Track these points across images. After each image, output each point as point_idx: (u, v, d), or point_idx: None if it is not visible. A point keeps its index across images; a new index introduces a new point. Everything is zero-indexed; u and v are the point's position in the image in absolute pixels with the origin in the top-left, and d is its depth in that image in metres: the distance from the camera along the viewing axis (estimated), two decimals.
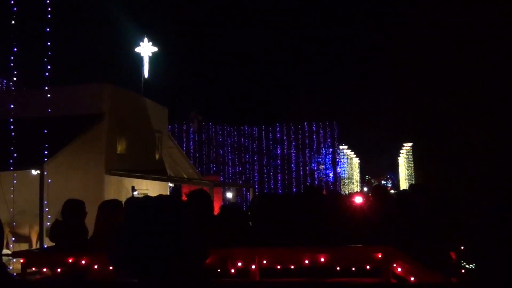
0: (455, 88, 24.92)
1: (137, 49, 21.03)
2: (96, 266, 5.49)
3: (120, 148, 18.32)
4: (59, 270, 5.68)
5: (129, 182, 18.61)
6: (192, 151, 46.82)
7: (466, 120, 24.12)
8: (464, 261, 6.20)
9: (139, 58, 20.94)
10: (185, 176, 25.14)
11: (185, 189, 21.88)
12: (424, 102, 28.52)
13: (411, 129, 36.23)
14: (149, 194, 18.65)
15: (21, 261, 5.94)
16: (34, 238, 16.28)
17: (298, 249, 5.41)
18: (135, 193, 15.26)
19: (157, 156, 21.41)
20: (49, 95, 17.50)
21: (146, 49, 20.88)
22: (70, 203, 6.35)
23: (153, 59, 21.18)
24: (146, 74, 20.44)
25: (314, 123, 52.74)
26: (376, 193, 7.62)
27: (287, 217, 5.84)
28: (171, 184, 23.27)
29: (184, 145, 45.95)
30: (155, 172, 20.05)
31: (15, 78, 15.49)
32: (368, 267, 5.25)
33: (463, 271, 6.09)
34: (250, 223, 6.12)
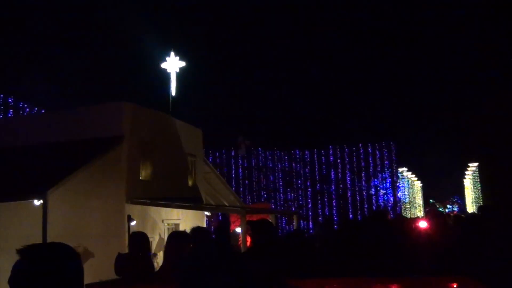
0: None
1: (163, 65, 19.36)
2: None
3: (144, 173, 16.53)
4: None
5: (155, 211, 16.78)
6: (241, 177, 44.96)
7: None
8: None
9: (165, 75, 19.23)
10: (226, 204, 23.17)
11: (233, 218, 19.92)
12: (490, 117, 26.33)
13: (477, 148, 33.72)
14: (180, 224, 16.86)
15: None
16: None
17: (368, 280, 5.18)
18: (133, 223, 13.30)
19: (190, 182, 19.52)
20: (62, 119, 16.26)
21: (172, 64, 19.18)
22: (135, 235, 6.48)
23: (182, 75, 19.43)
24: (173, 91, 18.68)
25: (369, 144, 49.97)
26: (432, 218, 7.39)
27: (355, 245, 5.89)
28: (207, 213, 21.30)
29: (233, 172, 44.20)
30: (188, 200, 18.14)
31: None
32: None
33: None
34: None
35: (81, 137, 15.48)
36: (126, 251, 12.47)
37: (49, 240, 12.60)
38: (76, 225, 14.09)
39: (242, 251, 11.07)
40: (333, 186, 49.49)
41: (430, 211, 9.76)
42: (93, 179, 14.90)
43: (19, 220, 13.91)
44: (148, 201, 15.66)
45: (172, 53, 19.31)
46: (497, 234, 6.24)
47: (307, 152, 49.54)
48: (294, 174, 49.28)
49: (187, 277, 2.03)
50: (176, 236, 6.08)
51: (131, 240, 6.43)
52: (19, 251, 2.08)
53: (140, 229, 15.83)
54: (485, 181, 38.31)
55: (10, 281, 2.05)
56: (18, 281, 2.03)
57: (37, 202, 12.64)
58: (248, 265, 2.11)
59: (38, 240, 12.56)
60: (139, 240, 6.40)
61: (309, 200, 49.24)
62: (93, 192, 14.97)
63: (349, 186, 49.89)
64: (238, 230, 15.29)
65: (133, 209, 15.64)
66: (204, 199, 20.80)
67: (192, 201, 18.30)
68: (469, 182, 53.85)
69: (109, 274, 9.63)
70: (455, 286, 4.93)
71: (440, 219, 7.34)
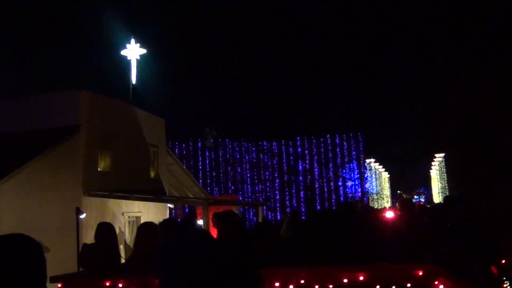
0: (492, 91, 22.74)
1: (123, 52, 18.64)
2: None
3: (103, 164, 15.89)
4: None
5: (115, 204, 16.16)
6: (208, 169, 44.41)
7: (507, 125, 21.76)
8: (505, 276, 6.21)
9: (126, 62, 18.53)
10: (191, 196, 22.63)
11: (200, 211, 19.41)
12: (456, 108, 26.40)
13: (443, 138, 33.87)
14: (141, 217, 16.28)
15: (59, 285, 5.93)
16: None
17: (336, 268, 5.36)
18: (82, 216, 12.71)
19: (152, 174, 18.93)
20: (15, 107, 15.52)
21: (133, 51, 18.48)
22: (102, 225, 6.46)
23: (143, 63, 18.76)
24: (134, 79, 18.01)
25: (337, 135, 49.79)
26: (403, 208, 7.63)
27: (324, 235, 5.92)
28: (170, 205, 20.74)
29: (200, 164, 43.61)
30: (150, 192, 17.55)
31: None
32: (408, 285, 5.18)
33: (505, 285, 6.17)
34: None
35: (35, 127, 14.79)
36: (76, 245, 12.02)
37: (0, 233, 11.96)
38: (30, 218, 13.47)
39: None
40: (301, 177, 49.28)
41: (404, 201, 9.81)
42: (48, 171, 14.26)
43: None
44: (106, 193, 15.05)
45: (133, 40, 18.62)
46: (460, 224, 6.37)
47: (274, 143, 49.18)
48: (261, 165, 48.90)
49: (167, 264, 2.01)
50: (146, 227, 6.14)
51: (98, 231, 6.37)
52: None
53: (98, 222, 15.39)
54: (451, 171, 38.60)
55: None
56: None
57: None
58: (224, 253, 2.12)
59: None
60: (106, 230, 6.38)
61: (277, 192, 48.93)
62: (48, 184, 14.35)
63: (317, 177, 49.75)
64: (200, 222, 14.80)
65: (91, 201, 15.02)
66: (168, 191, 20.24)
67: (154, 193, 17.72)
68: (435, 173, 54.23)
69: (66, 268, 9.11)
70: (420, 273, 5.06)
71: (410, 209, 7.50)
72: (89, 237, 14.41)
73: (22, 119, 15.09)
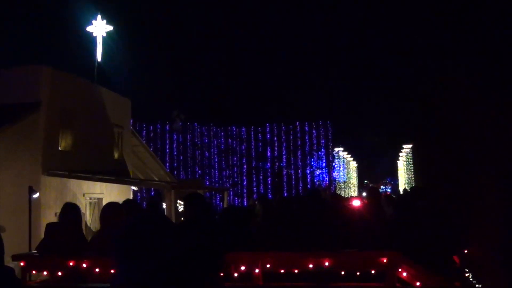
0: (458, 79, 22.81)
1: (88, 29, 18.03)
2: (97, 270, 5.45)
3: (64, 144, 15.40)
4: (59, 273, 5.67)
5: (76, 184, 15.70)
6: (175, 153, 43.93)
7: (474, 116, 21.85)
8: (467, 265, 6.44)
9: (91, 39, 17.93)
10: (156, 179, 22.25)
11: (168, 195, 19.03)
12: (424, 97, 26.53)
13: (411, 130, 34.12)
14: (103, 198, 15.87)
15: (21, 264, 5.81)
16: None
17: (302, 254, 5.39)
18: (35, 195, 12.28)
19: (116, 155, 18.48)
20: None
21: (99, 28, 17.90)
22: (67, 206, 6.31)
23: (110, 41, 18.18)
24: (99, 57, 17.44)
25: (306, 123, 49.70)
26: (369, 196, 7.77)
27: (291, 220, 5.99)
28: (134, 188, 20.33)
29: (167, 147, 43.08)
30: (113, 173, 17.12)
31: None
32: (373, 271, 5.28)
33: (466, 275, 6.46)
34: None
35: None
36: (28, 225, 11.63)
37: None
38: None
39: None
40: (268, 164, 49.13)
41: (371, 189, 9.93)
42: (4, 149, 13.74)
43: None
44: (66, 172, 14.58)
45: (99, 16, 18.01)
46: (424, 214, 6.52)
47: (243, 129, 48.85)
48: (230, 150, 48.59)
49: (123, 246, 1.96)
50: (111, 206, 6.11)
51: (63, 211, 6.21)
52: None
53: (58, 203, 14.91)
54: (418, 162, 38.94)
55: None
56: None
57: None
58: (186, 236, 2.13)
59: None
60: (72, 211, 6.28)
61: (244, 178, 48.71)
62: (5, 162, 13.82)
63: (284, 164, 49.66)
64: (163, 205, 14.50)
65: (51, 181, 14.56)
66: (132, 173, 19.82)
67: (117, 175, 17.30)
68: (402, 164, 54.75)
69: (21, 248, 8.74)
70: (384, 260, 5.14)
71: (376, 198, 7.57)
72: (47, 217, 13.97)
73: None
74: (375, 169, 66.94)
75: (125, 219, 5.70)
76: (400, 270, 5.29)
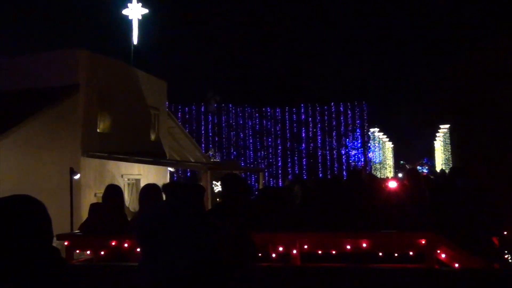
0: (502, 61, 22.22)
1: (124, 12, 18.16)
2: (138, 249, 5.09)
3: (102, 126, 15.64)
4: (102, 253, 5.79)
5: (115, 166, 15.97)
6: (210, 134, 44.17)
7: None
8: (507, 247, 6.28)
9: (127, 22, 18.06)
10: (192, 160, 22.44)
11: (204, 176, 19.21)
12: (462, 78, 25.96)
13: (449, 109, 33.49)
14: (141, 180, 16.11)
15: (65, 243, 5.94)
16: None
17: (340, 235, 5.37)
18: (76, 176, 12.51)
19: (152, 137, 18.68)
20: (14, 66, 15.23)
21: (135, 11, 18.00)
22: (110, 187, 6.50)
23: (145, 23, 18.28)
24: (135, 40, 17.59)
25: (341, 103, 49.26)
26: (409, 177, 7.44)
27: (329, 201, 5.89)
28: (170, 169, 20.55)
29: (203, 128, 43.33)
30: (150, 155, 17.33)
31: None
32: (411, 253, 5.24)
33: (506, 256, 6.26)
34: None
35: (33, 86, 14.47)
36: (69, 205, 11.90)
37: None
38: (26, 178, 13.30)
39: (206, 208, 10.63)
40: (303, 145, 48.94)
41: (411, 170, 9.73)
42: (45, 130, 14.02)
43: None
44: (105, 154, 14.83)
45: None
46: (463, 194, 6.40)
47: (278, 110, 48.69)
48: (264, 131, 48.57)
49: (144, 231, 1.93)
50: (150, 188, 6.04)
51: (106, 192, 6.41)
52: None
53: (97, 184, 15.24)
54: (456, 142, 38.28)
55: None
56: None
57: None
58: (212, 224, 2.02)
59: None
60: (114, 192, 6.45)
61: (279, 158, 48.69)
62: (46, 144, 14.12)
63: (319, 145, 49.40)
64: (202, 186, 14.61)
65: (90, 162, 14.83)
66: (168, 155, 20.04)
67: (154, 156, 17.50)
68: (439, 144, 53.93)
69: (63, 228, 8.96)
70: (422, 241, 5.09)
71: (416, 179, 7.29)
72: (87, 197, 14.29)
73: (21, 77, 14.79)
74: (411, 150, 66.13)
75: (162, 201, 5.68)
76: (438, 251, 5.24)
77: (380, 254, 5.33)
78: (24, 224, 2.03)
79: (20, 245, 2.01)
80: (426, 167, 61.94)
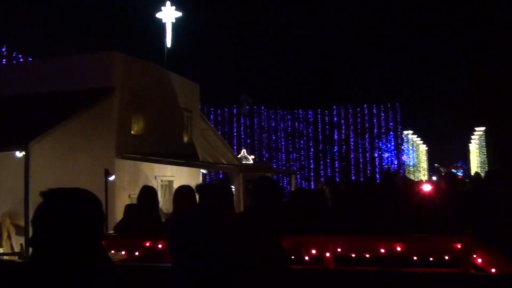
0: None
1: (158, 15, 18.37)
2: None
3: (137, 128, 15.83)
4: (136, 253, 5.82)
5: (148, 167, 16.14)
6: (243, 136, 44.31)
7: None
8: None
9: (161, 25, 18.25)
10: (224, 162, 22.55)
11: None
12: (499, 79, 25.46)
13: (484, 111, 32.85)
14: (174, 181, 16.26)
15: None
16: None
17: (374, 238, 5.28)
18: (111, 178, 12.67)
19: (185, 139, 18.82)
20: (49, 68, 15.53)
21: (168, 14, 18.19)
22: (146, 188, 6.64)
23: (179, 27, 18.46)
24: (169, 43, 17.76)
25: (374, 105, 48.79)
26: (446, 180, 7.59)
27: (361, 204, 5.84)
28: (203, 171, 20.67)
29: (235, 131, 43.50)
30: (183, 157, 17.47)
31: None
32: (446, 257, 5.10)
33: None
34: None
35: (68, 88, 14.71)
36: (104, 206, 12.03)
37: (32, 193, 12.06)
38: (62, 179, 13.49)
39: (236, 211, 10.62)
40: (336, 147, 48.64)
41: (448, 173, 9.90)
42: (81, 132, 14.25)
43: (4, 172, 13.38)
44: (139, 156, 15.00)
45: (168, 2, 18.32)
46: (501, 198, 6.33)
47: (310, 112, 48.51)
48: (296, 134, 48.46)
49: (175, 236, 1.99)
50: (184, 190, 6.22)
51: (141, 194, 6.56)
52: (42, 194, 2.11)
53: (132, 185, 15.42)
54: (492, 145, 37.57)
55: (33, 222, 2.09)
56: (40, 223, 2.07)
57: (19, 154, 12.00)
58: (241, 228, 2.05)
59: (22, 192, 12.04)
60: (149, 193, 6.61)
61: (311, 161, 48.47)
62: (81, 145, 14.35)
63: (352, 147, 49.03)
64: (232, 189, 14.67)
65: (124, 164, 15.02)
66: (201, 157, 20.17)
67: (186, 158, 17.63)
68: (475, 147, 53.11)
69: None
70: (458, 246, 4.97)
71: (453, 182, 7.44)
72: (121, 199, 14.47)
73: (57, 80, 15.06)
74: (446, 152, 65.18)
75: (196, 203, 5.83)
76: (475, 256, 5.09)
77: (415, 258, 5.20)
78: (75, 216, 2.07)
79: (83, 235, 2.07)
80: (461, 170, 60.95)
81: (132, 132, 15.62)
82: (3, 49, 30.38)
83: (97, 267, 2.11)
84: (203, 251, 1.90)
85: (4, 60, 29.50)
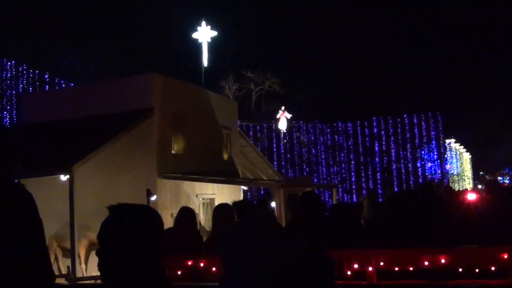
0: None
1: (194, 35, 18.65)
2: (214, 269, 5.61)
3: (177, 147, 16.05)
4: (179, 272, 5.86)
5: (189, 186, 16.33)
6: (282, 151, 44.28)
7: None
8: None
9: (197, 45, 18.53)
10: (265, 178, 22.57)
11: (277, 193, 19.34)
12: None
13: None
14: (215, 199, 16.38)
15: None
16: (82, 253, 14.23)
17: (416, 250, 5.24)
18: (153, 198, 12.82)
19: (225, 156, 18.96)
20: (90, 92, 15.94)
21: (204, 34, 18.44)
22: (183, 210, 6.76)
23: (214, 45, 18.70)
24: (205, 62, 17.99)
25: (415, 115, 48.01)
26: (490, 189, 7.42)
27: (402, 216, 5.79)
28: (244, 187, 20.74)
29: (274, 146, 43.54)
30: (223, 174, 17.58)
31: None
32: (493, 268, 4.96)
33: None
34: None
35: (110, 111, 15.08)
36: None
37: (77, 215, 12.35)
38: (105, 200, 13.50)
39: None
40: (377, 159, 48.03)
41: (492, 182, 9.91)
42: (122, 154, 14.52)
43: (48, 195, 13.70)
44: (180, 175, 15.19)
45: (203, 22, 18.60)
46: None
47: (350, 124, 48.13)
48: (336, 147, 48.12)
49: (229, 246, 1.98)
50: (223, 208, 6.32)
51: (179, 216, 6.68)
52: (109, 208, 2.17)
53: (173, 204, 15.59)
54: None
55: (98, 237, 2.13)
56: (106, 237, 2.10)
57: (63, 177, 12.32)
58: (289, 241, 2.04)
59: (67, 215, 12.33)
60: (188, 214, 6.71)
61: (352, 173, 47.98)
62: (123, 166, 14.62)
63: (394, 158, 48.34)
64: (272, 204, 14.67)
65: (166, 183, 15.23)
66: (241, 173, 20.26)
67: (227, 175, 17.74)
68: None
69: None
70: (505, 256, 4.84)
71: (498, 191, 7.22)
72: (164, 218, 14.37)
73: (98, 103, 15.44)
74: (491, 160, 63.65)
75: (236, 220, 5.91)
76: None
77: (460, 270, 5.09)
78: (139, 233, 2.09)
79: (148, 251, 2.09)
80: (508, 178, 59.38)
81: (172, 151, 15.83)
82: (46, 76, 31.53)
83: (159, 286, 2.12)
84: (250, 263, 1.90)
85: (47, 86, 30.61)
